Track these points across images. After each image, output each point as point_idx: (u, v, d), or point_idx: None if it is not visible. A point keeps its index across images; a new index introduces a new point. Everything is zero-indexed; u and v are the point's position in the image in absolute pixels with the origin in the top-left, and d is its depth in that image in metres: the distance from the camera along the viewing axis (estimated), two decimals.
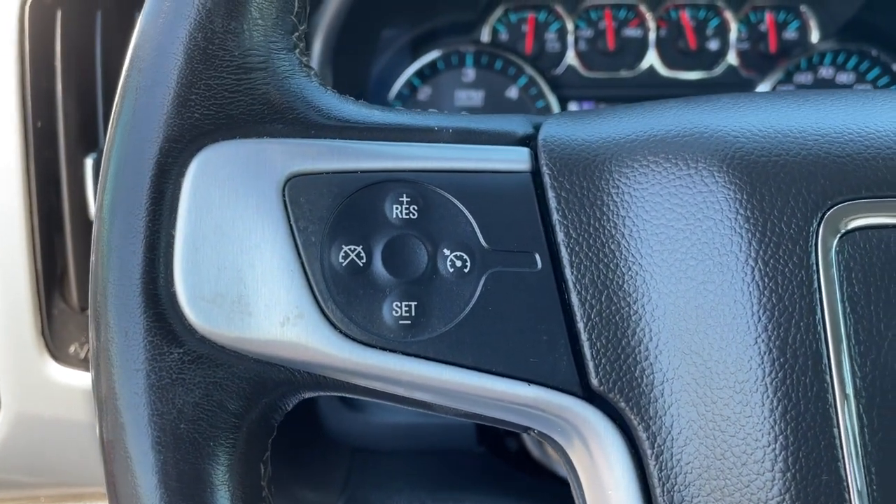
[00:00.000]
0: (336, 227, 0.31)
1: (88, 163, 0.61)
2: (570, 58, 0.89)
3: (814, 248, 0.29)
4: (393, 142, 0.33)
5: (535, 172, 0.32)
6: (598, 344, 0.31)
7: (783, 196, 0.30)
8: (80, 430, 0.64)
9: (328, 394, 0.32)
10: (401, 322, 0.30)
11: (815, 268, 0.29)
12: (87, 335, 0.64)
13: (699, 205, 0.31)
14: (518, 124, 0.35)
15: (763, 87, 0.88)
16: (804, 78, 0.89)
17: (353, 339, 0.30)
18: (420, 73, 0.88)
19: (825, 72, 0.89)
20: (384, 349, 0.30)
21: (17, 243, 0.60)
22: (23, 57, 0.59)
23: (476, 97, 0.89)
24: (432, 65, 0.88)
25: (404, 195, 0.32)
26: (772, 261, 0.29)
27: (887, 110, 0.33)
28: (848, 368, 0.29)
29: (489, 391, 0.31)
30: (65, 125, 0.61)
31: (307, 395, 0.32)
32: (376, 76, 0.88)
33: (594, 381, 0.30)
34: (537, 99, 0.89)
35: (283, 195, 0.31)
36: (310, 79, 0.33)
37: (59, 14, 0.61)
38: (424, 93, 0.89)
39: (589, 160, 0.32)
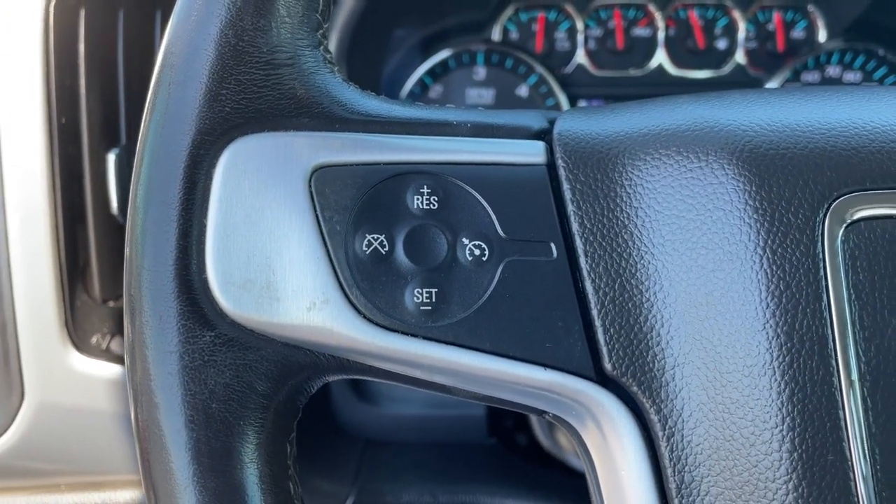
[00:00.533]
0: (360, 216, 0.32)
1: (111, 158, 0.62)
2: (580, 56, 0.90)
3: (820, 237, 0.30)
4: (414, 135, 0.34)
5: (551, 165, 0.33)
6: (612, 330, 0.32)
7: (791, 187, 0.31)
8: (102, 420, 0.65)
9: (351, 377, 0.34)
10: (422, 308, 0.32)
11: (821, 256, 0.30)
12: (108, 326, 0.65)
13: (709, 196, 0.32)
14: (533, 119, 0.36)
15: (771, 85, 0.89)
16: (811, 77, 0.90)
17: (377, 324, 0.31)
18: (431, 72, 0.89)
19: (832, 70, 0.89)
20: (406, 334, 0.31)
21: (42, 237, 0.61)
22: (47, 55, 0.60)
23: (487, 95, 0.90)
24: (443, 63, 0.89)
25: (425, 186, 0.33)
26: (780, 249, 0.30)
27: (891, 105, 0.34)
28: (853, 353, 0.30)
29: (506, 375, 0.32)
30: (88, 122, 0.62)
31: (331, 378, 0.33)
32: (388, 75, 0.89)
33: (608, 366, 0.31)
34: (547, 97, 0.90)
35: (310, 186, 0.32)
36: (334, 74, 0.34)
37: (82, 13, 0.62)
38: (436, 91, 0.90)
39: (603, 153, 0.33)
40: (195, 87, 0.31)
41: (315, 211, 0.31)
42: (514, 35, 0.90)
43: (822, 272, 0.30)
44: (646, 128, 0.34)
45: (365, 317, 0.31)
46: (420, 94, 0.90)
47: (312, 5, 0.33)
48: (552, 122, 0.35)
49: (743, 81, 0.90)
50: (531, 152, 0.34)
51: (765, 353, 0.30)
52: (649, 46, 0.91)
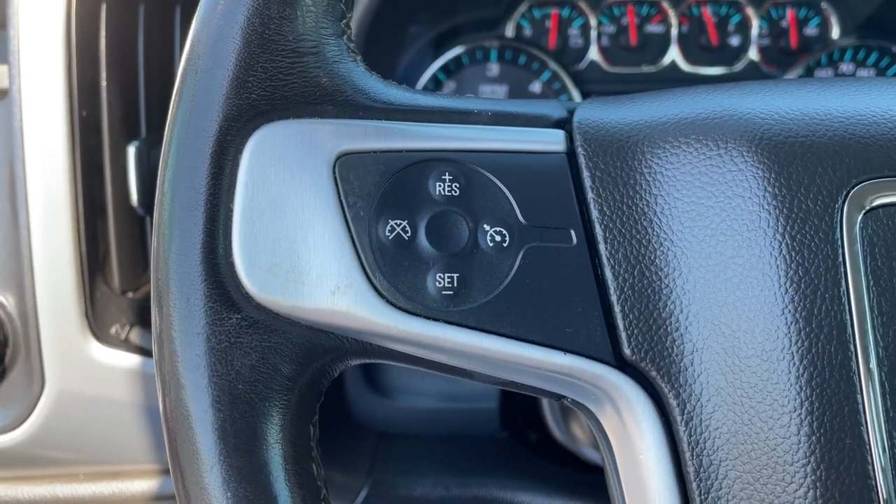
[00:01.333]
0: (383, 202, 0.32)
1: (131, 151, 0.63)
2: (593, 53, 0.91)
3: (839, 224, 0.31)
4: (436, 123, 0.34)
5: (571, 153, 0.34)
6: (631, 315, 0.32)
7: (810, 175, 0.31)
8: (120, 409, 0.66)
9: (374, 361, 0.34)
10: (443, 292, 0.32)
11: (840, 242, 0.31)
12: (127, 317, 0.66)
13: (728, 183, 0.32)
14: (553, 108, 0.36)
15: None
16: (824, 73, 0.90)
17: (399, 308, 0.32)
18: (445, 68, 0.90)
19: (845, 67, 0.89)
20: (428, 318, 0.32)
21: (63, 228, 0.62)
22: (69, 49, 0.61)
23: (500, 91, 0.90)
24: (457, 59, 0.90)
25: (447, 173, 0.33)
26: (798, 236, 0.31)
27: None
28: (871, 338, 0.30)
29: (526, 359, 0.32)
30: (108, 115, 0.63)
31: (354, 361, 0.34)
32: (402, 71, 0.90)
33: (626, 351, 0.32)
34: (560, 93, 0.90)
35: (334, 172, 0.32)
36: (357, 63, 0.35)
37: (103, 8, 0.63)
38: (449, 87, 0.90)
39: (622, 142, 0.34)
40: (222, 75, 0.32)
41: (339, 197, 0.32)
42: (527, 32, 0.91)
43: (840, 258, 0.30)
44: (665, 117, 0.34)
45: (388, 301, 0.32)
46: (433, 90, 0.90)
47: None
48: (571, 112, 0.36)
49: (756, 78, 0.90)
50: (551, 140, 0.34)
51: (783, 337, 0.30)
52: (662, 43, 0.91)
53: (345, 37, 0.34)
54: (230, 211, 0.31)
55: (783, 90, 0.35)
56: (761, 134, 0.32)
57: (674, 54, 0.91)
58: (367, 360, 0.34)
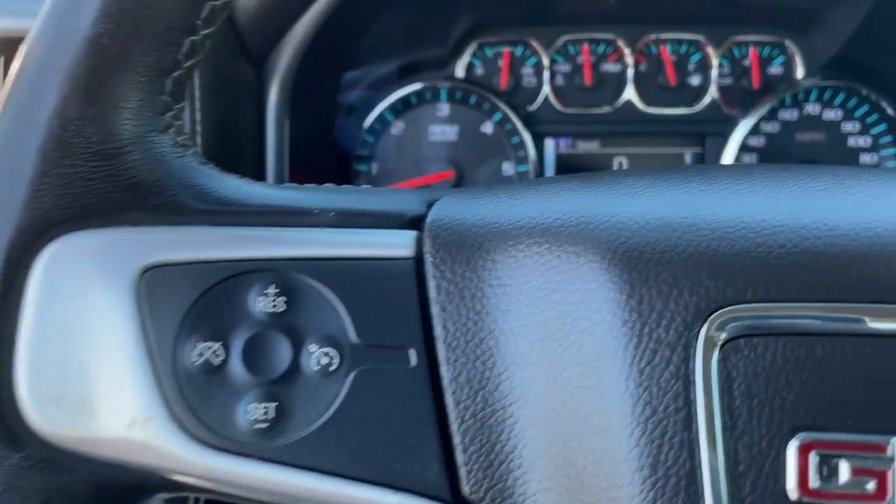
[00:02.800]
0: (192, 322, 0.29)
1: None
2: (546, 93, 0.87)
3: (693, 356, 0.27)
4: (265, 227, 0.31)
5: (419, 259, 0.31)
6: (472, 448, 0.29)
7: (664, 298, 0.28)
8: None
9: (188, 495, 0.31)
10: (257, 426, 0.29)
11: (692, 378, 0.27)
12: None
13: (578, 303, 0.29)
14: (413, 203, 0.33)
15: (746, 122, 0.85)
16: (789, 114, 0.86)
17: (206, 444, 0.29)
18: (393, 108, 0.87)
19: (811, 108, 0.85)
20: (239, 454, 0.29)
21: None
22: None
23: (450, 132, 0.87)
24: (405, 100, 0.87)
25: (272, 286, 0.30)
26: (647, 369, 0.27)
27: (791, 198, 0.31)
28: (725, 490, 0.26)
29: (351, 499, 0.29)
30: None
31: (164, 495, 0.31)
32: (346, 112, 0.86)
33: (465, 489, 0.29)
34: (512, 135, 0.87)
35: (139, 288, 0.29)
36: (185, 158, 0.32)
37: None
38: (397, 127, 0.87)
39: (475, 247, 0.31)
40: (13, 184, 0.29)
41: (141, 317, 0.29)
42: (479, 71, 0.88)
43: (692, 395, 0.27)
44: (523, 220, 0.31)
45: (192, 436, 0.29)
46: (381, 130, 0.87)
47: (155, 88, 0.31)
48: (431, 206, 0.33)
49: (716, 119, 0.87)
50: (398, 244, 0.31)
51: (627, 485, 0.27)
52: (618, 83, 0.87)
53: (171, 130, 0.31)
54: (13, 338, 0.28)
55: (655, 189, 0.32)
56: (616, 246, 0.29)
57: (630, 94, 0.87)
58: (182, 494, 0.31)
